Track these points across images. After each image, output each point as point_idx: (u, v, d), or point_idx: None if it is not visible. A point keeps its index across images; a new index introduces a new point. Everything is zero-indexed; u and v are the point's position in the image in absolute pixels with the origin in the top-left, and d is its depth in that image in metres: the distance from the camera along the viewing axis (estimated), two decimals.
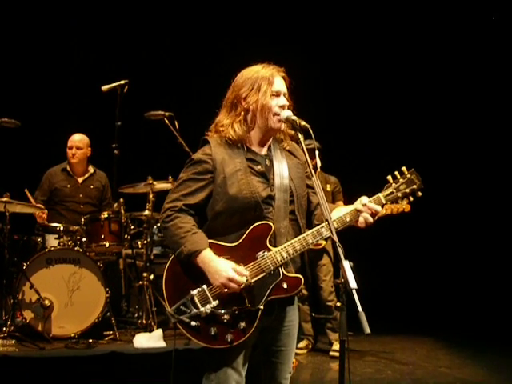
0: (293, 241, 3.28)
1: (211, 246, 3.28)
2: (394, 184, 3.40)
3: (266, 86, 3.37)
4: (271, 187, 3.35)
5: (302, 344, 7.61)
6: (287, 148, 3.53)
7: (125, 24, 9.60)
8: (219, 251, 3.27)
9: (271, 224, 3.29)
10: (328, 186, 7.57)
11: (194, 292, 3.26)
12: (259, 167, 3.38)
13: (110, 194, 7.57)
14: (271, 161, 3.43)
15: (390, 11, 10.04)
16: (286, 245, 3.27)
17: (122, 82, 7.24)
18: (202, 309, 3.24)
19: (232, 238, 3.30)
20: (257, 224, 3.28)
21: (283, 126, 3.41)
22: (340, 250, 2.91)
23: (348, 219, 3.31)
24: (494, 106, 10.17)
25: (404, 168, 3.43)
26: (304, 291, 7.64)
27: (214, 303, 3.24)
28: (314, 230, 3.29)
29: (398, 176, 3.42)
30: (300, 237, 3.29)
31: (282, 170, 3.41)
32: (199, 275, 3.27)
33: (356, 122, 10.30)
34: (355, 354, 7.39)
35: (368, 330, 2.69)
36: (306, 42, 9.95)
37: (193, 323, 3.25)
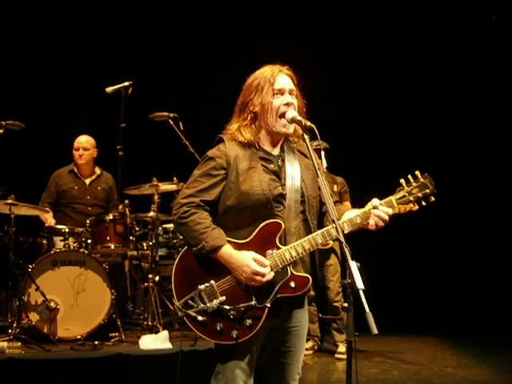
0: (302, 240, 3.27)
1: None
2: (406, 187, 3.39)
3: (268, 86, 3.37)
4: (283, 186, 3.36)
5: (308, 345, 7.59)
6: (300, 150, 3.53)
7: (129, 25, 9.61)
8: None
9: (281, 222, 3.29)
10: (335, 186, 7.57)
11: (202, 287, 3.28)
12: (272, 166, 3.39)
13: (117, 195, 7.57)
14: (283, 161, 3.43)
15: (401, 12, 10.04)
16: (295, 244, 3.27)
17: (127, 83, 7.25)
18: (208, 304, 3.26)
19: (242, 234, 3.31)
20: (267, 222, 3.29)
21: (291, 130, 3.40)
22: (347, 250, 2.91)
23: (358, 221, 3.29)
24: (498, 108, 10.15)
25: (417, 172, 3.40)
26: (311, 291, 7.63)
27: (221, 299, 3.26)
28: (323, 230, 3.28)
29: (411, 180, 3.40)
30: (309, 236, 3.28)
31: (293, 171, 3.41)
32: (208, 270, 3.30)
33: (365, 122, 10.26)
34: (361, 354, 7.37)
35: (375, 331, 2.68)
36: (315, 42, 9.94)
37: (199, 318, 3.26)
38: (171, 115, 7.09)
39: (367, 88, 10.16)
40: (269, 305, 3.25)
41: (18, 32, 9.07)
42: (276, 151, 3.46)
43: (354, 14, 10.13)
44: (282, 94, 3.37)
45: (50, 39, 9.31)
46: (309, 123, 3.25)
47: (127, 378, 5.50)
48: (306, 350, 7.49)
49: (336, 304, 7.43)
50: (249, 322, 3.24)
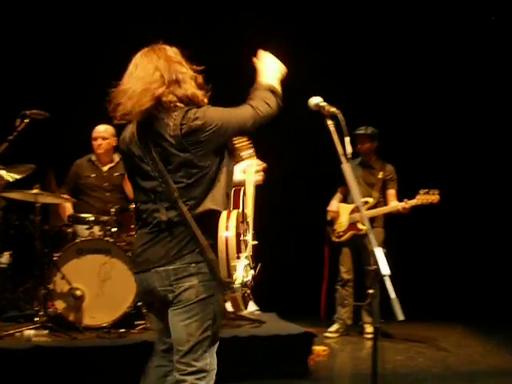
0: None
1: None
2: None
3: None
4: None
5: (333, 328, 7.61)
6: None
7: (139, 16, 9.57)
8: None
9: None
10: (381, 173, 7.54)
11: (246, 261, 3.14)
12: None
13: None
14: None
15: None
16: None
17: None
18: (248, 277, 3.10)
19: None
20: None
21: None
22: (371, 236, 2.90)
23: None
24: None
25: None
26: (346, 275, 7.65)
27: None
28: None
29: None
30: None
31: None
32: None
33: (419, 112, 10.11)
34: (387, 341, 7.37)
35: (401, 317, 2.68)
36: (322, 36, 9.85)
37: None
38: None
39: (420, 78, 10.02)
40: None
41: (42, 22, 9.10)
42: None
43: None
44: None
45: (74, 29, 9.30)
46: (332, 109, 3.22)
47: None
48: (331, 332, 7.54)
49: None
50: None
